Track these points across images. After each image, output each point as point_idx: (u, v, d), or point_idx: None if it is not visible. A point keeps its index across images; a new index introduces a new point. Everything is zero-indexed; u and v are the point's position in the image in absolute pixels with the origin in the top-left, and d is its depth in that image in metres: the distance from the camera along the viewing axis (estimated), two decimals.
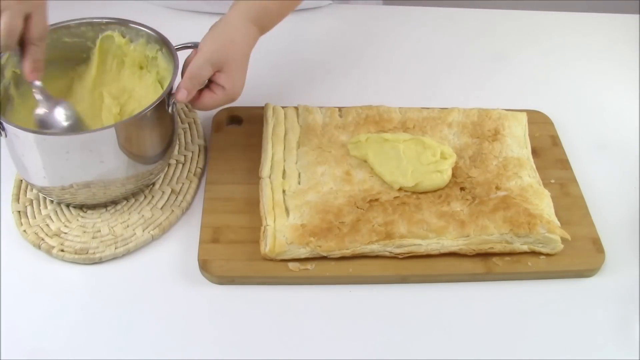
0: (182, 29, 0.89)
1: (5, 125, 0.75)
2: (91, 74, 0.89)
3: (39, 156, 0.77)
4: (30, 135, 0.75)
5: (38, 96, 0.79)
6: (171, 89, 0.80)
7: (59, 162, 0.77)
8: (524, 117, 0.95)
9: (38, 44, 0.76)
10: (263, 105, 0.95)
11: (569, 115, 1.00)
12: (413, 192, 0.85)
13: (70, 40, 0.87)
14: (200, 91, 0.83)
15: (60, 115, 0.80)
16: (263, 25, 0.86)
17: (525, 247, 0.82)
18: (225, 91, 0.82)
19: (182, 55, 0.83)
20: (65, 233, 0.82)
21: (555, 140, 0.96)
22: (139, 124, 0.79)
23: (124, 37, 0.87)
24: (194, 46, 0.84)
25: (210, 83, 0.83)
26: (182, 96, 0.80)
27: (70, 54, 0.88)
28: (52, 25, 0.85)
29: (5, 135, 0.77)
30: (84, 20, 0.86)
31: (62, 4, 0.85)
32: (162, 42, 0.85)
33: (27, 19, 0.74)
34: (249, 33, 0.84)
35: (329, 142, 0.91)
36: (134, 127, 0.78)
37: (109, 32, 0.87)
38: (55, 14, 0.88)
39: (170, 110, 0.81)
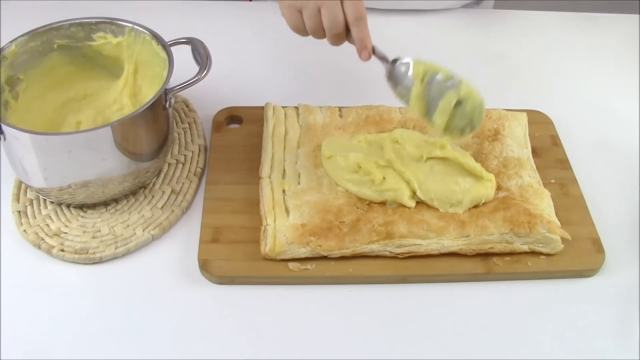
0: (174, 25, 0.89)
1: (4, 128, 0.75)
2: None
3: (40, 157, 0.77)
4: (31, 137, 0.75)
5: None
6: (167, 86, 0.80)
7: (60, 162, 0.77)
8: (524, 117, 0.95)
9: (356, 25, 0.79)
10: (263, 105, 0.95)
11: (569, 115, 1.00)
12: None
13: (61, 42, 0.86)
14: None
15: None
16: None
17: (525, 247, 0.82)
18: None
19: (176, 51, 0.83)
20: (65, 233, 0.82)
21: (555, 140, 0.96)
22: (136, 121, 0.79)
23: (115, 36, 0.87)
24: (187, 42, 0.84)
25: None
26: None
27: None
28: (42, 27, 0.85)
29: (4, 139, 0.77)
30: (74, 21, 0.86)
31: (55, 4, 0.84)
32: (155, 38, 0.85)
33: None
34: None
35: None
36: (131, 125, 0.78)
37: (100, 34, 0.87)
38: (51, 14, 0.88)
39: (166, 107, 0.81)
